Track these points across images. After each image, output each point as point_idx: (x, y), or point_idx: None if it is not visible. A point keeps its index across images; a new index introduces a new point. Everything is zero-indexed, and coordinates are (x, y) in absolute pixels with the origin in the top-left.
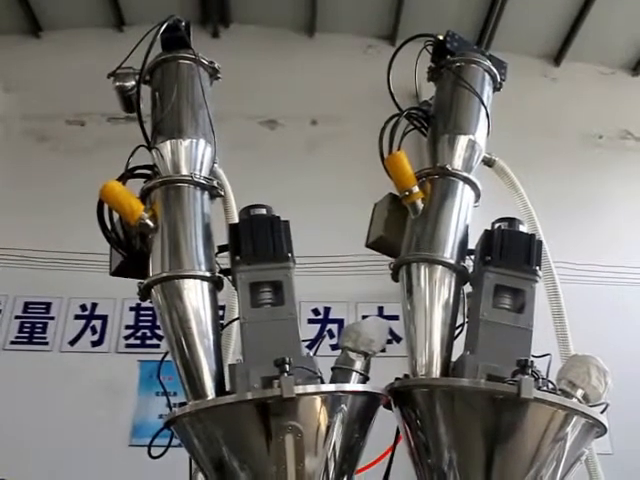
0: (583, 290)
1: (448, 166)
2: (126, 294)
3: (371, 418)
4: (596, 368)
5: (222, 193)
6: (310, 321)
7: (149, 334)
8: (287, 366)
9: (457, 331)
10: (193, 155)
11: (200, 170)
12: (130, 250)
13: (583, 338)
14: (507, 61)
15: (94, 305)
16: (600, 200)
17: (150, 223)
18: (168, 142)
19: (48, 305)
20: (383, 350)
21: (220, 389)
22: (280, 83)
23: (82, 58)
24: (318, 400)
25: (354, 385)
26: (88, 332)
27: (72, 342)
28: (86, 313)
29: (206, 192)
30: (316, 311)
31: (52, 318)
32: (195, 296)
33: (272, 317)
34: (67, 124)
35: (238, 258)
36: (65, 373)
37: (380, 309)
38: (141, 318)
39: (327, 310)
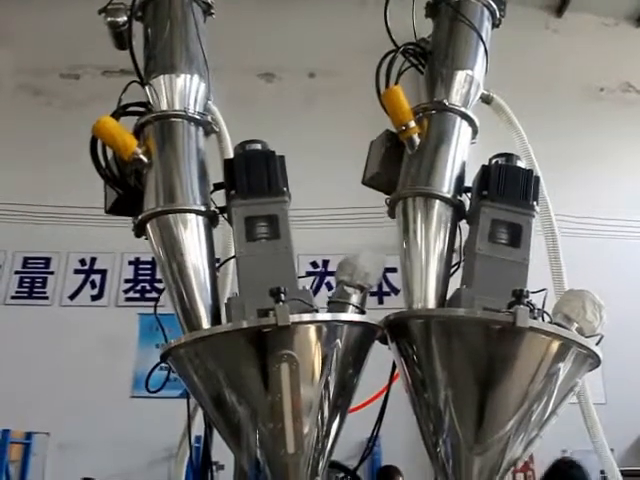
0: (583, 243)
1: (445, 101)
2: (125, 248)
3: (366, 351)
4: (591, 302)
5: (217, 129)
6: (308, 274)
7: (148, 287)
8: (282, 295)
9: (453, 269)
10: (187, 90)
11: (194, 106)
12: (125, 187)
13: None
14: (508, 13)
15: (93, 259)
16: (600, 153)
17: (144, 158)
18: (161, 78)
19: (47, 260)
20: (381, 302)
21: (216, 323)
22: (277, 35)
23: (75, 11)
24: (314, 329)
25: (350, 315)
26: (88, 286)
27: (72, 296)
28: (85, 268)
29: (200, 128)
30: (314, 264)
31: (51, 273)
32: (190, 230)
33: (268, 251)
34: (61, 78)
35: (233, 192)
36: (65, 327)
37: (325, 263)
38: (140, 272)
39: (325, 262)
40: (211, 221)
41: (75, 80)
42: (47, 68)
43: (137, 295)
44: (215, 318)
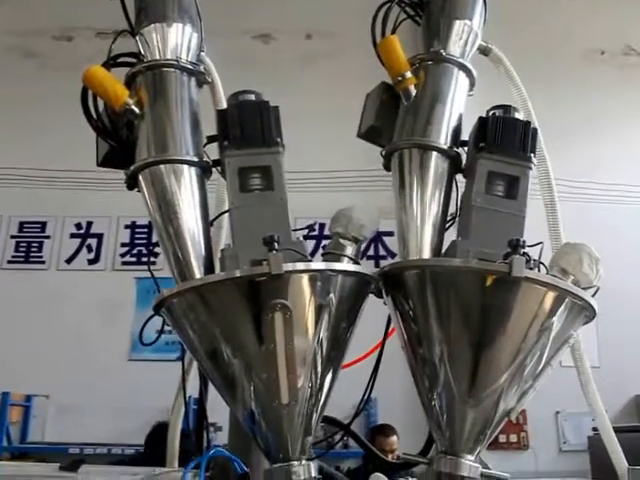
0: (582, 208)
1: (442, 51)
2: (121, 212)
3: (361, 304)
4: (588, 255)
5: (209, 80)
6: (306, 237)
7: (145, 251)
8: (276, 244)
9: (449, 223)
10: (179, 40)
11: (187, 56)
12: (117, 139)
13: None
14: None
15: (89, 224)
16: (601, 117)
17: (135, 109)
18: (152, 27)
19: (43, 224)
20: (377, 266)
21: (209, 274)
22: None
23: None
24: (307, 279)
25: (345, 264)
26: (84, 250)
27: (68, 260)
28: (81, 232)
29: (193, 78)
30: (311, 227)
31: (48, 237)
32: (182, 181)
33: (262, 202)
34: (54, 40)
35: (226, 143)
36: (62, 291)
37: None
38: (136, 236)
39: (322, 226)
40: (204, 172)
41: (68, 42)
42: (38, 29)
43: (134, 259)
44: (208, 270)
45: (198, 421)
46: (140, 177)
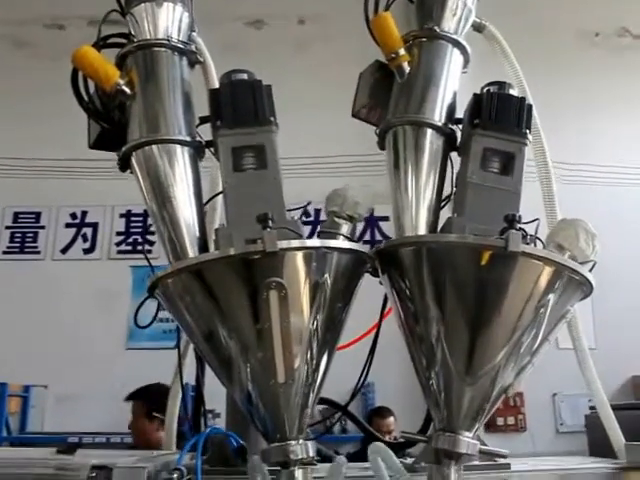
0: (577, 190)
1: (436, 28)
2: (116, 201)
3: (356, 282)
4: (584, 230)
5: (201, 59)
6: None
7: (140, 240)
8: (270, 222)
9: (444, 202)
10: (170, 20)
11: (178, 35)
12: (109, 121)
13: None
14: None
15: (84, 213)
16: (595, 100)
17: (126, 90)
18: (142, 6)
19: (38, 214)
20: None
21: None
22: None
23: None
24: (302, 256)
25: (340, 242)
26: (79, 240)
27: (64, 250)
28: (76, 221)
29: (184, 58)
30: (307, 213)
31: (42, 227)
32: (174, 161)
33: (255, 181)
34: (45, 28)
35: (219, 123)
36: (58, 281)
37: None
38: (132, 224)
39: (317, 212)
40: (197, 152)
41: (60, 31)
42: (30, 19)
43: (129, 248)
44: (202, 250)
45: (195, 405)
46: (132, 158)
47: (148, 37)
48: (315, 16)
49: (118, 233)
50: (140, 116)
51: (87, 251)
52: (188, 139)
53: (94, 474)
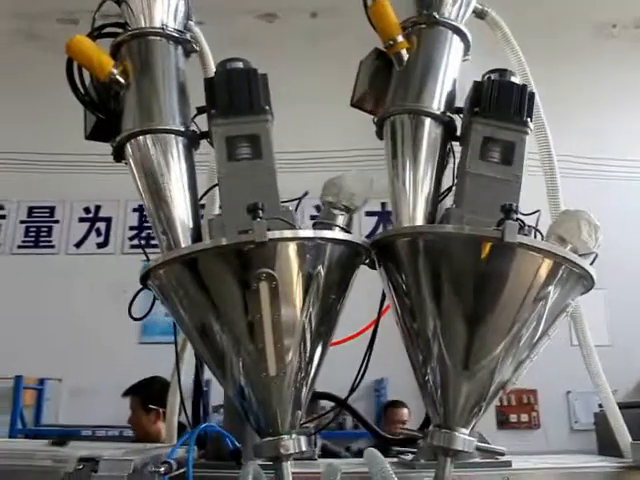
0: (590, 185)
1: (436, 14)
2: (129, 195)
3: (351, 274)
4: (587, 222)
5: (197, 48)
6: (312, 217)
7: (153, 234)
8: (260, 212)
9: (443, 195)
10: (165, 8)
11: (173, 24)
12: (105, 112)
13: None
14: None
15: (97, 207)
16: (611, 93)
17: (121, 79)
18: None
19: (52, 209)
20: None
21: None
22: None
23: None
24: (295, 247)
25: (334, 232)
26: (93, 234)
27: (78, 244)
28: (90, 215)
29: (180, 47)
30: (318, 208)
31: (57, 221)
32: (168, 151)
33: (250, 170)
34: (59, 23)
35: (214, 112)
36: (73, 275)
37: (383, 205)
38: (145, 219)
39: None
40: (191, 142)
41: (74, 25)
42: (44, 13)
43: (142, 242)
44: (195, 241)
45: (194, 398)
46: (126, 148)
47: (143, 26)
48: (327, 9)
49: (131, 227)
50: (134, 106)
51: (101, 245)
52: (182, 129)
53: (81, 466)
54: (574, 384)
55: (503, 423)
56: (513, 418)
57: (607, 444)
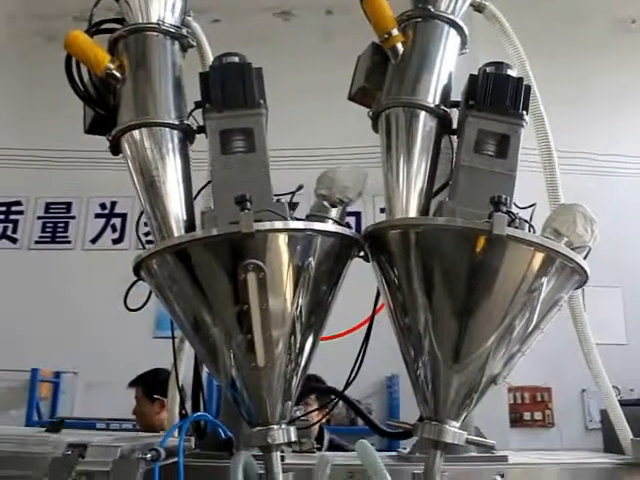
0: (608, 181)
1: (431, 7)
2: None
3: (343, 267)
4: (583, 216)
5: (194, 43)
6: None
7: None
8: (248, 203)
9: (442, 188)
10: (162, 3)
11: (171, 19)
12: (103, 107)
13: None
14: None
15: (113, 204)
16: (629, 89)
17: (117, 74)
18: None
19: (68, 205)
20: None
21: None
22: None
23: None
24: (285, 239)
25: (325, 224)
26: (109, 230)
27: (93, 240)
28: (106, 212)
29: (177, 42)
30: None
31: (73, 217)
32: (163, 144)
33: (243, 164)
34: (74, 21)
35: (208, 106)
36: (89, 270)
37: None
38: None
39: None
40: (186, 136)
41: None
42: (59, 12)
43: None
44: (188, 233)
45: (193, 388)
46: (122, 142)
47: (140, 21)
48: (343, 7)
49: (146, 224)
50: (130, 100)
51: (116, 241)
52: (177, 122)
53: (69, 452)
54: (589, 382)
55: (516, 421)
56: (527, 416)
57: (612, 441)
